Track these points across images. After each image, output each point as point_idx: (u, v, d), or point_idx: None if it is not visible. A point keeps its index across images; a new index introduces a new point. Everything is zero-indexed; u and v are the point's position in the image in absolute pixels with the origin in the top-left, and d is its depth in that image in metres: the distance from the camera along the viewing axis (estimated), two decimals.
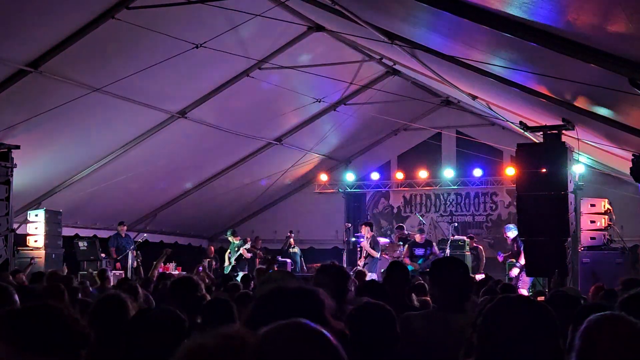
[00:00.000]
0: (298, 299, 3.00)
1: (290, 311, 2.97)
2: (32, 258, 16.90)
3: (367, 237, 18.38)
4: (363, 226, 18.91)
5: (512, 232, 17.84)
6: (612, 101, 9.85)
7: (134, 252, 20.03)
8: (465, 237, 19.87)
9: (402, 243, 20.41)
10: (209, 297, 6.47)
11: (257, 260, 21.62)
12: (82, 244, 19.20)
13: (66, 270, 16.33)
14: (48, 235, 17.58)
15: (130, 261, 19.47)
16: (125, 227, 20.22)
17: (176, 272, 19.83)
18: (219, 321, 4.17)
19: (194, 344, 2.39)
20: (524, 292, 15.59)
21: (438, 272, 5.42)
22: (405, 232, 21.10)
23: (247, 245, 20.58)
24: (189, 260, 21.54)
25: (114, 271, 18.50)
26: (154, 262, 13.98)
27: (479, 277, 15.70)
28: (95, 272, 15.79)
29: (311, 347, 1.78)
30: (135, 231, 21.33)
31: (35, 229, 17.59)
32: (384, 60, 18.50)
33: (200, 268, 17.59)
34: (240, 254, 20.56)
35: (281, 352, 1.75)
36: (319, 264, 10.00)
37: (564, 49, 7.54)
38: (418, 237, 19.08)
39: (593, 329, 2.74)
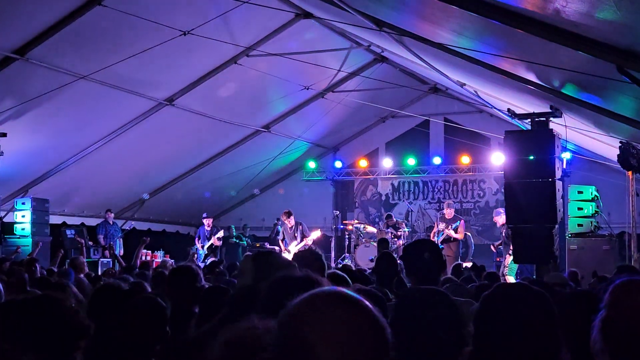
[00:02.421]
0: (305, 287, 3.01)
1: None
2: (18, 246, 16.83)
3: (289, 226, 18.71)
4: (283, 215, 19.14)
5: (501, 217, 17.92)
6: (600, 88, 9.87)
7: (121, 240, 20.00)
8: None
9: (389, 230, 20.48)
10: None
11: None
12: (70, 232, 19.14)
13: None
14: (35, 224, 17.53)
15: (117, 249, 19.39)
16: (112, 214, 20.16)
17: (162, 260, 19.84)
18: (217, 309, 4.17)
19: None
20: (511, 279, 15.67)
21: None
22: (394, 219, 21.16)
23: (220, 234, 20.37)
24: (178, 247, 21.52)
25: (102, 259, 18.48)
26: (135, 252, 14.00)
27: (467, 264, 15.75)
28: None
29: (356, 319, 1.76)
30: (122, 219, 21.31)
31: (22, 217, 17.53)
32: (372, 48, 18.49)
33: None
34: (211, 243, 20.37)
35: (321, 324, 1.72)
36: None
37: (553, 36, 7.54)
38: (447, 212, 19.20)
39: (623, 288, 2.79)
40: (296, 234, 18.82)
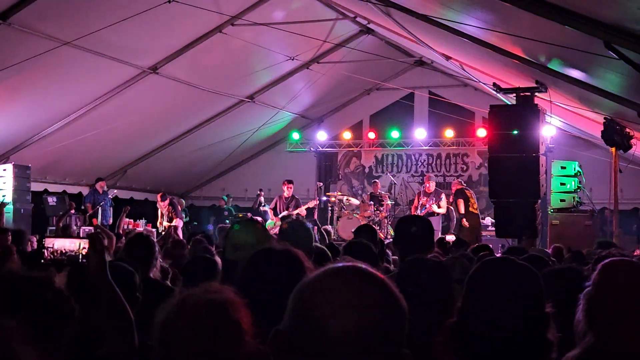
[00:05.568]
0: (283, 261, 3.02)
1: (275, 274, 3.00)
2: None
3: (285, 196, 18.78)
4: (284, 183, 19.20)
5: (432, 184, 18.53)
6: (587, 64, 9.87)
7: (110, 208, 19.86)
8: None
9: (372, 203, 20.47)
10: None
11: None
12: (52, 200, 19.02)
13: None
14: (16, 190, 17.38)
15: (100, 217, 19.26)
16: (103, 183, 19.97)
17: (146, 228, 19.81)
18: (201, 279, 4.14)
19: (187, 299, 2.42)
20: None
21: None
22: (379, 190, 21.12)
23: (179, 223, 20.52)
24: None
25: (83, 227, 18.36)
26: (117, 221, 13.99)
27: (449, 237, 15.77)
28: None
29: (370, 292, 1.74)
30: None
31: (3, 183, 17.38)
32: (358, 19, 18.40)
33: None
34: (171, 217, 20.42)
35: (334, 297, 1.71)
36: None
37: (540, 10, 7.52)
38: (428, 186, 19.23)
39: (610, 268, 2.82)
40: (289, 206, 18.84)
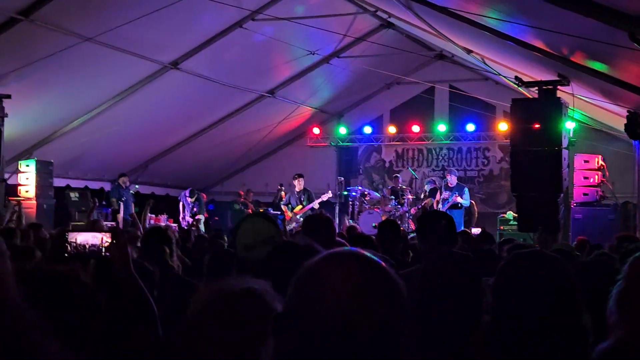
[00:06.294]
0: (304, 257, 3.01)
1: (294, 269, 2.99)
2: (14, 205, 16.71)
3: (297, 190, 18.78)
4: (295, 177, 19.23)
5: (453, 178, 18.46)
6: (610, 56, 9.80)
7: (132, 203, 19.94)
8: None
9: (393, 197, 20.43)
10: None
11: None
12: (74, 195, 19.10)
13: None
14: (39, 186, 17.47)
15: (122, 212, 19.33)
16: (126, 179, 19.99)
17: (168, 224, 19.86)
18: (222, 273, 4.15)
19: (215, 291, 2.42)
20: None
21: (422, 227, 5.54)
22: (400, 184, 21.08)
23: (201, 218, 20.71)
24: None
25: (105, 222, 18.42)
26: (142, 215, 14.00)
27: (475, 230, 15.74)
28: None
29: (370, 278, 1.75)
30: None
31: (27, 179, 17.47)
32: (378, 13, 18.33)
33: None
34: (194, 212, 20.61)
35: (333, 278, 1.72)
36: None
37: (563, 1, 7.46)
38: (449, 180, 19.20)
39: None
40: (302, 199, 18.84)
